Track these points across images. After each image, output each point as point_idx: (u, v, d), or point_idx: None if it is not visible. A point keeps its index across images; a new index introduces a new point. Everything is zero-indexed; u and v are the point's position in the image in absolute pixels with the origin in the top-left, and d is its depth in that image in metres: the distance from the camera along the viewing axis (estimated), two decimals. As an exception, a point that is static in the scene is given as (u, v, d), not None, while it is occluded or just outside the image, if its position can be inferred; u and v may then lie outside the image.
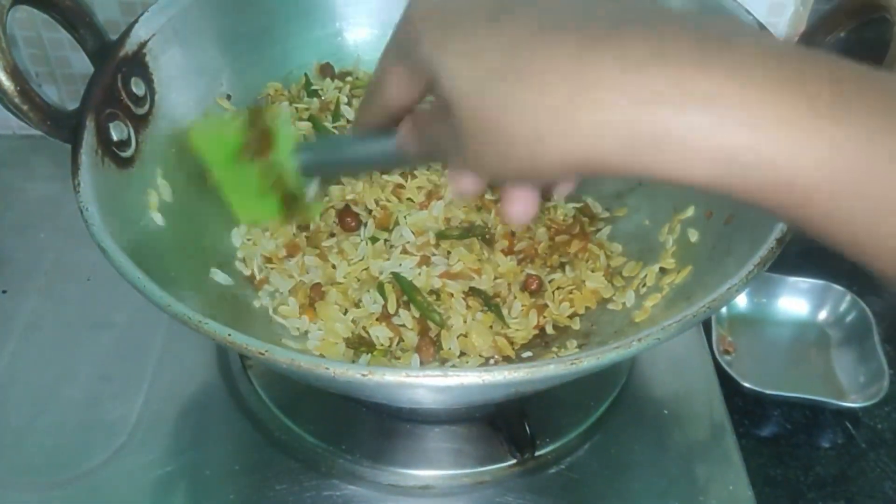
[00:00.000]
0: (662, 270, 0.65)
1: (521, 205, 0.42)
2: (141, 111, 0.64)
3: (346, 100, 0.77)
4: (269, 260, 0.69)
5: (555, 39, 0.34)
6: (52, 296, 0.79)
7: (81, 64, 0.61)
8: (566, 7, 0.35)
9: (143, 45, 0.64)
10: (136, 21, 0.64)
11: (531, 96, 0.34)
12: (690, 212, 0.67)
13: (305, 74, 0.79)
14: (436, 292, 0.66)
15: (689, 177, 0.33)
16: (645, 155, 0.33)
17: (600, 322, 0.66)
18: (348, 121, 0.75)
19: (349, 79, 0.80)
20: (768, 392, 0.75)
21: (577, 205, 0.75)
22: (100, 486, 0.64)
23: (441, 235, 0.68)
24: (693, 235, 0.66)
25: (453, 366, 0.63)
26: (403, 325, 0.64)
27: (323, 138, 0.62)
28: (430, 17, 0.39)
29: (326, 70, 0.80)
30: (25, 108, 0.55)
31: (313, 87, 0.78)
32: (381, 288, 0.65)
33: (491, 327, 0.65)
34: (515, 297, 0.67)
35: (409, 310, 0.65)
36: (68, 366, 0.73)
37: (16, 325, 0.76)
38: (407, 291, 0.64)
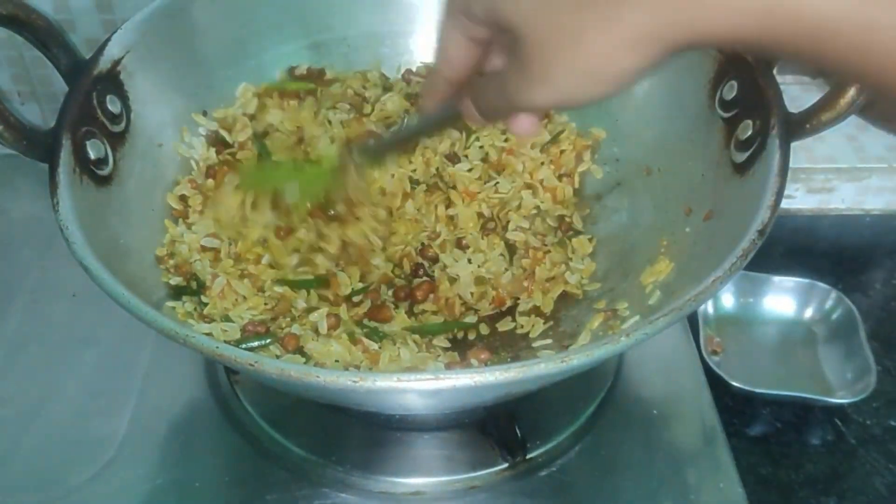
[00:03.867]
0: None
1: (527, 123, 0.46)
2: (117, 129, 0.64)
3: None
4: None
5: None
6: (37, 313, 0.79)
7: (63, 83, 0.61)
8: None
9: (117, 62, 0.64)
10: (108, 39, 0.65)
11: None
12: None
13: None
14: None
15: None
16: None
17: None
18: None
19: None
20: (757, 391, 0.75)
21: (565, 212, 0.75)
22: (89, 502, 0.64)
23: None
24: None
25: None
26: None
27: (387, 134, 0.65)
28: None
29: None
30: (0, 127, 0.55)
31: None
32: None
33: None
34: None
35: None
36: (55, 383, 0.72)
37: (1, 343, 0.76)
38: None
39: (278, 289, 0.65)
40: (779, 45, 0.35)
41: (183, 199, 0.70)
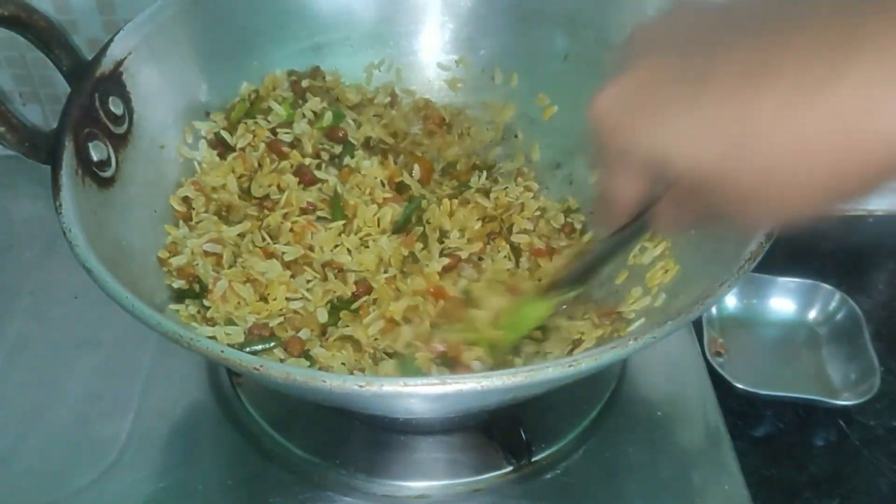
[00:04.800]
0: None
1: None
2: (120, 130, 0.64)
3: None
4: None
5: (767, 84, 0.33)
6: (39, 315, 0.79)
7: (65, 83, 0.61)
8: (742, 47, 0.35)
9: (119, 63, 0.64)
10: (111, 40, 0.64)
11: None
12: None
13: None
14: None
15: None
16: None
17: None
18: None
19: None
20: (761, 392, 0.75)
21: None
22: (91, 505, 0.64)
23: None
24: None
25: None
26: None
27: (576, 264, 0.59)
28: (626, 111, 0.39)
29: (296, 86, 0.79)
30: (2, 129, 0.55)
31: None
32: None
33: None
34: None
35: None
36: (56, 385, 0.72)
37: (2, 345, 0.76)
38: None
39: (294, 304, 0.64)
40: None
41: (186, 200, 0.70)
